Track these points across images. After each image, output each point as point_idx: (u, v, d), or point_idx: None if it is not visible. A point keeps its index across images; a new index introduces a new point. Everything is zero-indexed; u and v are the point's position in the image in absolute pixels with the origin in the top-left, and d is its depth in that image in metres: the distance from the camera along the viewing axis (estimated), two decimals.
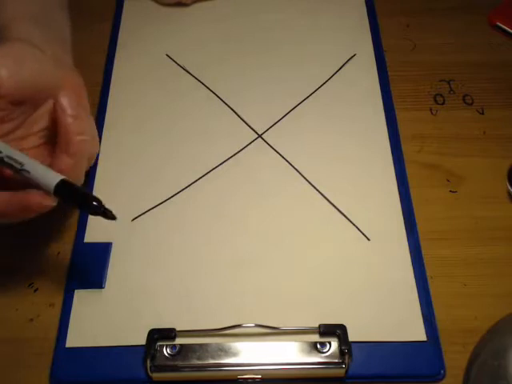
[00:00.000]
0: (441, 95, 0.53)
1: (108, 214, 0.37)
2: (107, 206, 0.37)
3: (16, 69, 0.37)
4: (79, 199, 0.37)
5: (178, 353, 0.38)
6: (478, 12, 0.58)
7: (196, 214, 0.45)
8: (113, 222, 0.44)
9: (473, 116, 0.52)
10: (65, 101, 0.38)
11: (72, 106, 0.38)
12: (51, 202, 0.37)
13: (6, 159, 0.36)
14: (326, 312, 0.40)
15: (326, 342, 0.38)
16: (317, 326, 0.39)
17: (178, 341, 0.39)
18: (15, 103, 0.38)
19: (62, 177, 0.36)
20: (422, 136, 0.50)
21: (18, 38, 0.41)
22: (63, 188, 0.36)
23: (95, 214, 0.37)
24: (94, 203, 0.36)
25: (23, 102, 0.38)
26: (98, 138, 0.42)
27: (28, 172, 0.36)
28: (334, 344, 0.38)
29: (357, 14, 0.58)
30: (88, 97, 0.53)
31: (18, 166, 0.36)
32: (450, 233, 0.45)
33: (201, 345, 0.38)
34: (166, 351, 0.38)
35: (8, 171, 0.37)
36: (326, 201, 0.46)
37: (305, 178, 0.47)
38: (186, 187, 0.47)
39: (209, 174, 0.47)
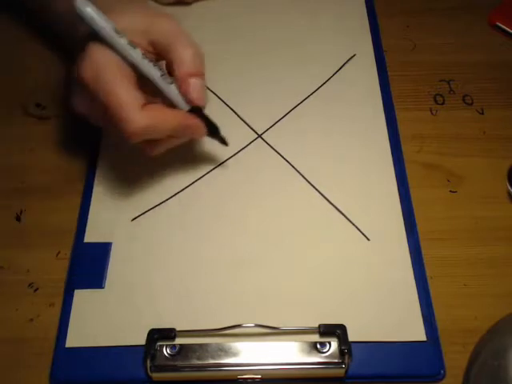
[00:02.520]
0: (441, 95, 0.53)
1: (223, 140, 0.46)
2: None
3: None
4: (208, 126, 0.43)
5: (178, 353, 0.38)
6: (478, 12, 0.58)
7: (196, 214, 0.45)
8: (113, 221, 0.45)
9: (473, 116, 0.52)
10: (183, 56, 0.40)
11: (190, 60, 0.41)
12: (204, 131, 0.43)
13: (162, 75, 0.40)
14: (325, 312, 0.40)
15: (326, 342, 0.38)
16: (317, 326, 0.39)
17: (178, 341, 0.39)
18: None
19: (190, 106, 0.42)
20: (421, 136, 0.50)
21: None
22: (194, 112, 0.42)
23: (213, 137, 0.45)
24: (216, 127, 0.44)
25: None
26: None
27: (167, 91, 0.40)
28: (334, 344, 0.38)
29: (357, 14, 0.58)
30: None
31: (169, 81, 0.40)
32: (450, 233, 0.45)
33: (201, 345, 0.38)
34: (166, 351, 0.38)
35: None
36: (325, 201, 0.46)
37: (305, 178, 0.47)
38: (186, 187, 0.47)
39: (209, 174, 0.47)
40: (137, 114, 0.38)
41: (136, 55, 0.39)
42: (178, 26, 0.41)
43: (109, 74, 0.38)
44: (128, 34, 0.39)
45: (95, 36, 0.38)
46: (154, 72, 0.40)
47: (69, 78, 0.43)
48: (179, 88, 0.41)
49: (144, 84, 0.40)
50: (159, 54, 0.41)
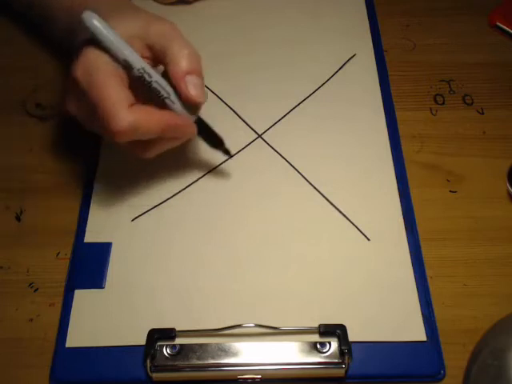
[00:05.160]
0: (441, 95, 0.53)
1: (227, 152, 0.46)
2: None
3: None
4: (209, 136, 0.44)
5: (178, 353, 0.38)
6: (478, 12, 0.58)
7: (196, 213, 0.45)
8: (113, 221, 0.45)
9: (473, 116, 0.52)
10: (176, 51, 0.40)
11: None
12: (194, 130, 0.42)
13: (154, 84, 0.40)
14: (325, 312, 0.40)
15: (326, 342, 0.38)
16: (317, 326, 0.39)
17: (178, 341, 0.39)
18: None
19: (198, 115, 0.42)
20: (421, 136, 0.50)
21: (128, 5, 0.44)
22: (199, 124, 0.43)
23: (217, 149, 0.45)
24: (220, 139, 0.45)
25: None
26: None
27: (172, 102, 0.40)
28: (334, 344, 0.38)
29: (357, 14, 0.58)
30: None
31: (165, 95, 0.40)
32: (450, 233, 0.45)
33: (201, 345, 0.38)
34: (166, 351, 0.38)
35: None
36: (326, 201, 0.46)
37: (305, 178, 0.47)
38: (186, 187, 0.47)
39: (209, 174, 0.47)
40: (122, 112, 0.38)
41: (139, 66, 0.39)
42: (175, 29, 0.41)
43: (100, 73, 0.38)
44: (126, 38, 0.39)
45: (93, 41, 0.38)
46: (159, 85, 0.40)
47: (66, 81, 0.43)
48: (177, 87, 0.40)
49: (139, 93, 0.40)
50: (156, 57, 0.41)
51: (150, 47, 0.40)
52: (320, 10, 0.58)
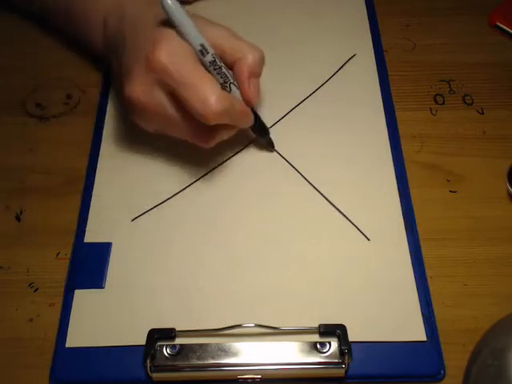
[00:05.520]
0: (441, 95, 0.53)
1: (271, 142, 0.48)
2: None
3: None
4: (257, 126, 0.46)
5: (178, 353, 0.38)
6: (478, 12, 0.58)
7: (196, 213, 0.45)
8: (113, 221, 0.45)
9: (473, 116, 0.52)
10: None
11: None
12: (252, 119, 0.44)
13: (223, 69, 0.41)
14: (325, 312, 0.40)
15: (326, 342, 0.38)
16: (317, 326, 0.39)
17: (178, 341, 0.39)
18: None
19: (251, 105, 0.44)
20: (421, 136, 0.50)
21: None
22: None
23: (263, 138, 0.48)
24: (267, 129, 0.47)
25: None
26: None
27: (237, 89, 0.42)
28: (334, 344, 0.38)
29: (357, 14, 0.58)
30: (88, 98, 0.53)
31: (232, 80, 0.42)
32: (450, 233, 0.45)
33: (201, 345, 0.38)
34: (166, 351, 0.38)
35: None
36: (325, 201, 0.46)
37: (304, 178, 0.47)
38: (186, 187, 0.47)
39: (209, 174, 0.47)
40: (218, 95, 0.39)
41: (212, 51, 0.40)
42: (235, 32, 0.43)
43: (190, 58, 0.40)
44: None
45: (169, 26, 0.40)
46: (227, 70, 0.41)
47: (117, 72, 0.44)
48: (240, 86, 0.42)
49: None
50: (221, 56, 0.42)
51: (215, 46, 0.41)
52: (320, 10, 0.58)
